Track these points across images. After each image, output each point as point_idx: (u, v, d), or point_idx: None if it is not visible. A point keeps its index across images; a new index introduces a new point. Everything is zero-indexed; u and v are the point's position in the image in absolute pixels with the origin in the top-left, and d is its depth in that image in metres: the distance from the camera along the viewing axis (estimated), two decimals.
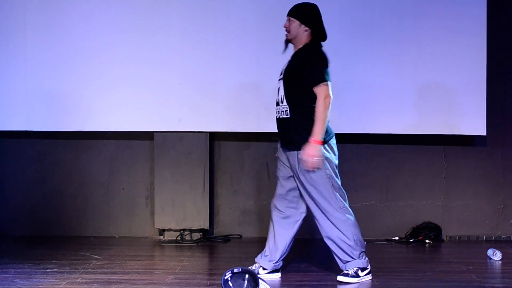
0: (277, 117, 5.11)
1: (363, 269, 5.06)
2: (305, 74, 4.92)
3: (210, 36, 6.59)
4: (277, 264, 5.23)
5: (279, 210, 5.21)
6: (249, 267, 5.01)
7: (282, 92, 5.06)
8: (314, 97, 4.91)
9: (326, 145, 4.97)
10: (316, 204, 5.03)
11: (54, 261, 5.63)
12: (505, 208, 6.92)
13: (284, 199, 5.18)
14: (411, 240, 6.71)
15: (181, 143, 6.72)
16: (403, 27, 6.53)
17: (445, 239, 6.87)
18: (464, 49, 6.56)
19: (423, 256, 6.27)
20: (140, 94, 6.58)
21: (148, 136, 6.82)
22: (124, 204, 6.93)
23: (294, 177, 5.08)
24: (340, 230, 5.02)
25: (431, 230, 6.76)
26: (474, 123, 6.60)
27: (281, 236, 5.21)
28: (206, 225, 6.74)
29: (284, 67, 5.12)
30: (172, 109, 6.59)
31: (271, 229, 5.27)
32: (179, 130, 6.65)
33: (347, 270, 5.04)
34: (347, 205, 5.04)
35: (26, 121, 6.59)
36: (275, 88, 5.28)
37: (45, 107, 6.58)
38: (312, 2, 5.13)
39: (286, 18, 5.12)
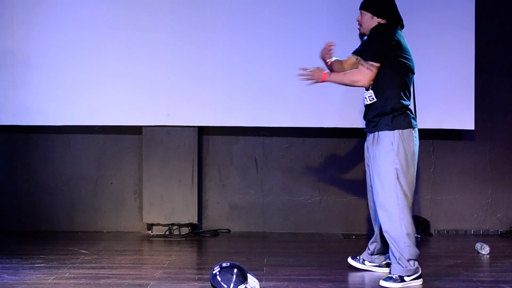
0: (364, 103, 5.05)
1: (409, 275, 4.84)
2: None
3: (198, 30, 6.57)
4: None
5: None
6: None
7: None
8: (390, 81, 4.87)
9: (399, 132, 4.83)
10: (376, 193, 4.93)
11: (42, 256, 5.62)
12: (493, 202, 6.94)
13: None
14: None
15: (170, 137, 6.70)
16: None
17: (433, 233, 6.89)
18: (453, 43, 6.56)
19: None
20: (129, 89, 6.55)
21: (136, 130, 6.80)
22: (112, 199, 6.91)
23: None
24: (392, 229, 4.86)
25: (419, 224, 6.77)
26: (462, 118, 6.61)
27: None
28: (194, 220, 6.73)
29: None
30: (161, 103, 6.58)
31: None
32: (168, 124, 6.64)
33: (392, 274, 4.88)
34: (407, 204, 4.84)
35: (14, 115, 6.56)
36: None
37: (33, 101, 6.54)
38: None
39: (359, 11, 5.06)
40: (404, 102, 4.88)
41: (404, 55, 4.90)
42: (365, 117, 5.05)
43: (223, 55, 6.57)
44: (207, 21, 6.57)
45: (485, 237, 6.74)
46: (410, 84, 4.98)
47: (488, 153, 6.94)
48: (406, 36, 6.57)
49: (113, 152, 6.91)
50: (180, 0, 6.56)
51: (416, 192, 6.88)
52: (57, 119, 6.58)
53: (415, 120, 4.97)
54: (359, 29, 5.08)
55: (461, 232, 6.93)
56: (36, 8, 6.53)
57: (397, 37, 4.88)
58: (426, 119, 6.56)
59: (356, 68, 5.00)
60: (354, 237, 6.65)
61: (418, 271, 4.86)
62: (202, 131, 6.86)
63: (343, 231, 6.87)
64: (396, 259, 4.84)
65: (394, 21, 4.98)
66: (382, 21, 4.94)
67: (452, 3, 6.56)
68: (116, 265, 5.37)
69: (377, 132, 4.90)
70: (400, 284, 4.79)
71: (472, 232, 6.92)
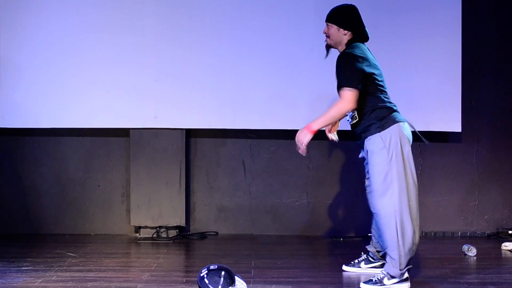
0: (350, 124, 5.02)
1: (391, 277, 4.80)
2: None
3: (185, 33, 6.56)
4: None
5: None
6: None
7: None
8: (368, 97, 4.85)
9: (382, 134, 4.79)
10: (373, 197, 4.88)
11: (28, 259, 5.60)
12: (480, 204, 6.96)
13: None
14: None
15: (157, 140, 6.69)
16: (377, 24, 6.52)
17: (420, 235, 6.90)
18: (439, 45, 6.58)
19: None
20: (116, 91, 6.54)
21: (124, 133, 6.79)
22: (100, 202, 6.90)
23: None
24: (384, 223, 4.83)
25: None
26: (449, 120, 6.63)
27: None
28: (182, 222, 6.72)
29: None
30: (148, 105, 6.57)
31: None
32: (155, 126, 6.63)
33: (379, 273, 4.84)
34: (404, 207, 4.75)
35: (1, 118, 6.54)
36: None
37: (20, 104, 6.52)
38: (348, 2, 5.09)
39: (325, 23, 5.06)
40: (387, 105, 4.90)
41: (372, 69, 4.88)
42: (356, 132, 5.02)
43: (211, 57, 6.57)
44: (194, 24, 6.56)
45: (472, 239, 6.77)
46: (385, 84, 4.97)
47: (475, 155, 6.97)
48: (393, 38, 6.61)
49: (101, 154, 6.89)
50: (167, 3, 6.56)
51: None
52: (44, 121, 6.56)
53: (400, 115, 4.96)
54: (326, 40, 5.06)
55: (448, 234, 6.95)
56: (22, 12, 6.51)
57: (363, 54, 4.87)
58: (413, 121, 6.53)
59: None
60: (341, 239, 6.65)
61: (404, 276, 4.81)
62: (190, 133, 6.85)
63: (331, 233, 6.88)
64: (389, 258, 4.82)
65: (360, 30, 4.99)
66: (348, 33, 4.94)
67: (438, 4, 6.58)
68: (103, 268, 5.36)
69: (368, 138, 4.87)
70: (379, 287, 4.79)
71: (459, 234, 6.94)
